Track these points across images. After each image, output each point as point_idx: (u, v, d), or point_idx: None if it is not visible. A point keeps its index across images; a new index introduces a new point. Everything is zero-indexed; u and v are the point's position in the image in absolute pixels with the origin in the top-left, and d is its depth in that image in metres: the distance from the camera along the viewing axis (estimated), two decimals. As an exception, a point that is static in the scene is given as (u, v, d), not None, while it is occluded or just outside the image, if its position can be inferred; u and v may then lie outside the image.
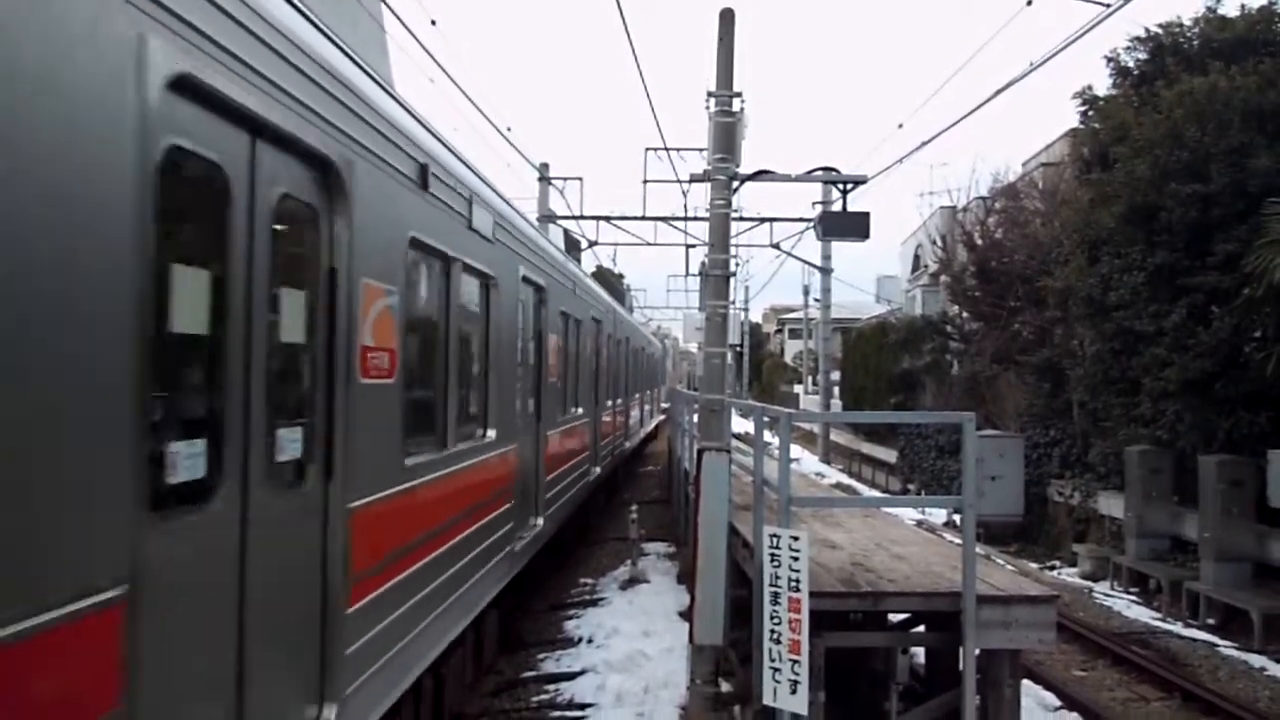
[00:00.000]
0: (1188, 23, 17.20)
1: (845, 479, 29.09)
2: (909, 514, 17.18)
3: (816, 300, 37.41)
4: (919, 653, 8.61)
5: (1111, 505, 16.51)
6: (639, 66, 13.32)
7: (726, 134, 8.60)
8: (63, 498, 2.53)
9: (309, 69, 3.94)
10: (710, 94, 8.65)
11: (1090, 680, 10.45)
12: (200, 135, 3.23)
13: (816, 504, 11.02)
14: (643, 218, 26.47)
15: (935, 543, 9.69)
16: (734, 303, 32.78)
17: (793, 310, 63.19)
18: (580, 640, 10.49)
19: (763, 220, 27.52)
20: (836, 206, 14.38)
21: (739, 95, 8.61)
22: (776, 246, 28.72)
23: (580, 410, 13.53)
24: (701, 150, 19.81)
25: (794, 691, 6.28)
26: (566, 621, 11.35)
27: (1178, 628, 12.52)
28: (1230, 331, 13.51)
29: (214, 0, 3.19)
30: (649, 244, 28.15)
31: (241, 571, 3.51)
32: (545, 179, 25.47)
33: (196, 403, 3.49)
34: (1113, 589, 14.99)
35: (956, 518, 15.72)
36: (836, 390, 37.34)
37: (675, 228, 27.97)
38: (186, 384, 3.47)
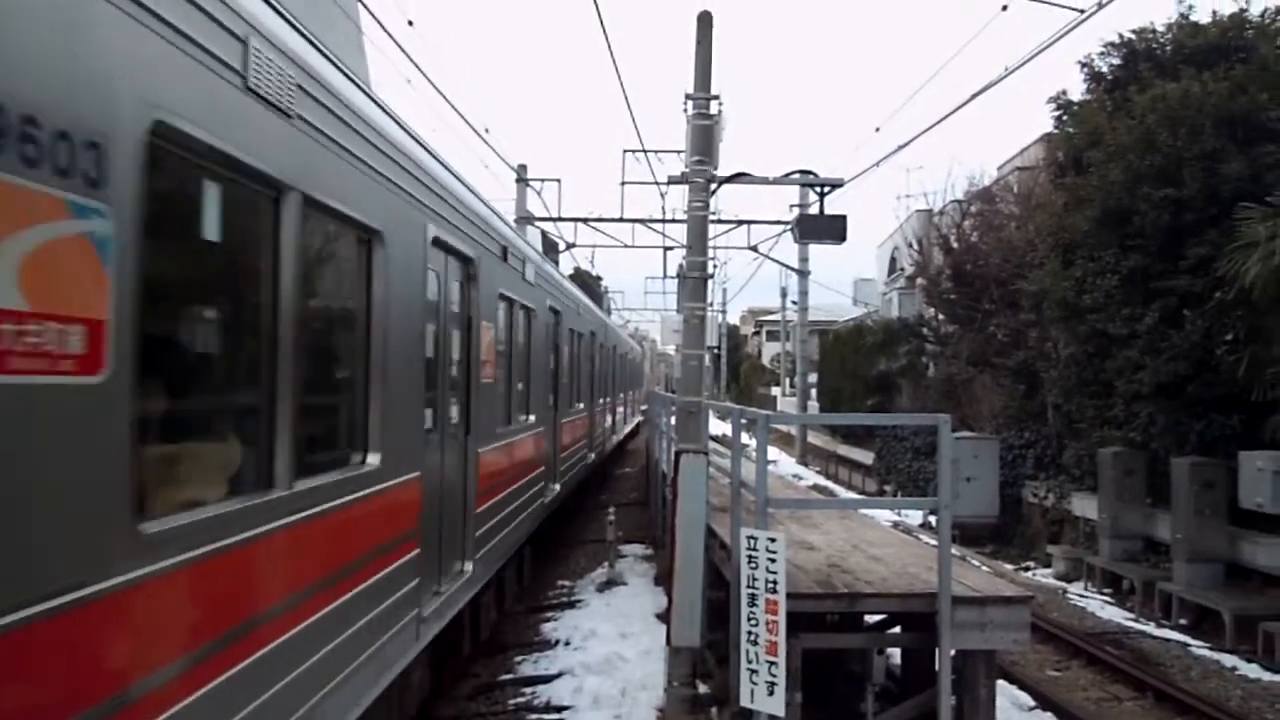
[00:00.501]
0: (1160, 29, 17.37)
1: (822, 480, 29.22)
2: (885, 515, 17.26)
3: (794, 302, 37.53)
4: (895, 653, 8.65)
5: (1085, 506, 16.64)
6: (617, 69, 13.35)
7: (704, 136, 8.62)
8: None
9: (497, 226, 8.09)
10: (688, 96, 8.66)
11: (1064, 680, 10.52)
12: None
13: (793, 506, 11.07)
14: (621, 220, 26.47)
15: (911, 544, 9.74)
16: (712, 305, 32.80)
17: (770, 312, 63.29)
18: (558, 642, 10.47)
19: (740, 222, 27.61)
20: (814, 209, 14.47)
21: (717, 98, 8.64)
22: (754, 249, 28.81)
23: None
24: (679, 152, 19.83)
25: (771, 693, 6.29)
26: (544, 624, 11.33)
27: (1150, 628, 12.63)
28: (1202, 335, 13.65)
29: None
30: (627, 246, 28.13)
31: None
32: (523, 180, 25.42)
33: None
34: (1086, 590, 15.11)
35: (932, 519, 15.79)
36: (814, 392, 37.47)
37: (653, 230, 27.95)
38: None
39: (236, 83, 3.55)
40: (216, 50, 3.40)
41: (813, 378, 37.61)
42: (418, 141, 6.24)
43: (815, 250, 33.50)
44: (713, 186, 9.28)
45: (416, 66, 13.91)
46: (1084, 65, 18.26)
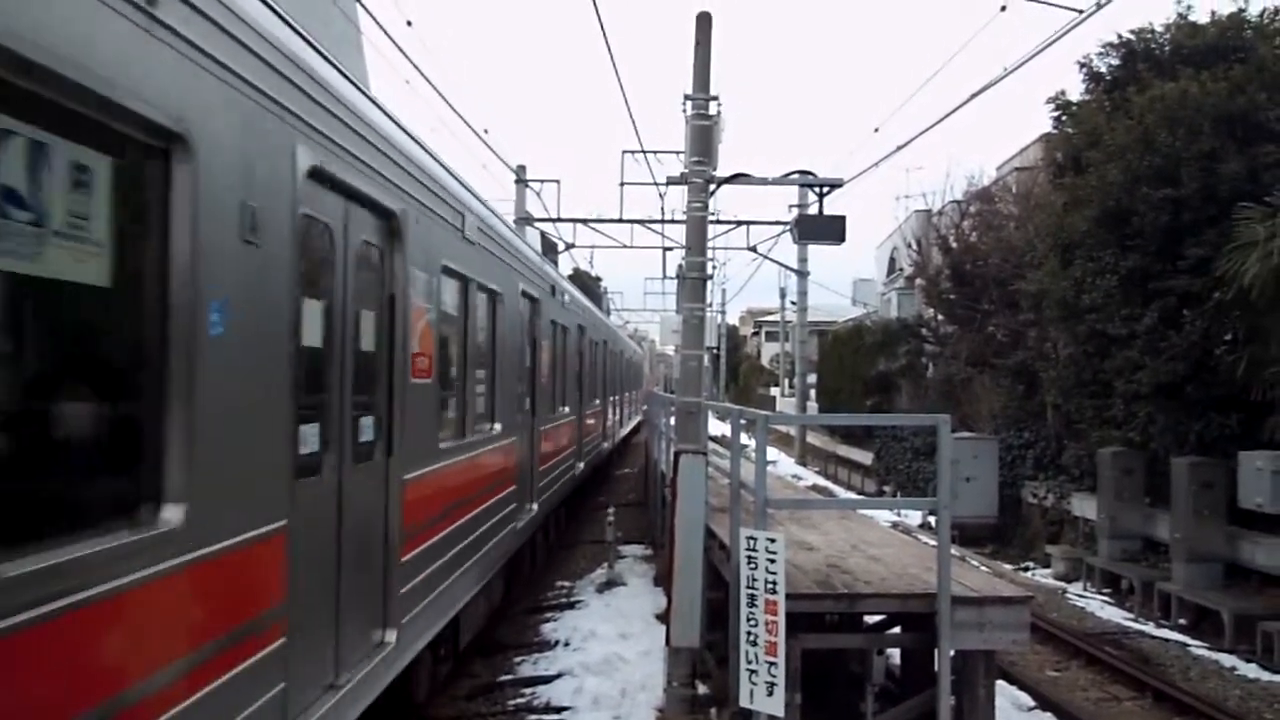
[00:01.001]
0: (1159, 29, 17.36)
1: (821, 481, 29.22)
2: (885, 516, 17.26)
3: (793, 303, 37.55)
4: (894, 654, 8.64)
5: (1084, 507, 16.65)
6: (616, 69, 13.31)
7: (703, 137, 8.62)
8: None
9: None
10: (687, 97, 8.67)
11: (1063, 680, 10.52)
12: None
13: (793, 506, 11.06)
14: (620, 220, 26.47)
15: (911, 544, 9.74)
16: (711, 305, 32.78)
17: (770, 313, 63.33)
18: (557, 643, 10.47)
19: (740, 223, 27.59)
20: (813, 210, 14.48)
21: (716, 99, 8.64)
22: (753, 249, 28.79)
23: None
24: (678, 153, 19.84)
25: (770, 693, 6.29)
26: (543, 624, 11.33)
27: (1150, 628, 12.64)
28: (1201, 335, 13.65)
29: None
30: (626, 246, 28.12)
31: None
32: (522, 181, 25.41)
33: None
34: (1086, 590, 15.11)
35: (932, 519, 15.80)
36: (813, 392, 37.48)
37: (652, 230, 27.93)
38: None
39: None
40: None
41: (812, 378, 37.62)
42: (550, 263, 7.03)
43: (814, 251, 33.50)
44: (712, 187, 9.28)
45: (416, 67, 13.90)
46: (1083, 65, 18.26)
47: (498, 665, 9.90)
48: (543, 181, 25.98)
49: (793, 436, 36.33)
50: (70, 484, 2.98)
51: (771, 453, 24.05)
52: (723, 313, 54.39)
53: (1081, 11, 11.09)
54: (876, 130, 49.47)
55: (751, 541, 6.51)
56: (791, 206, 28.75)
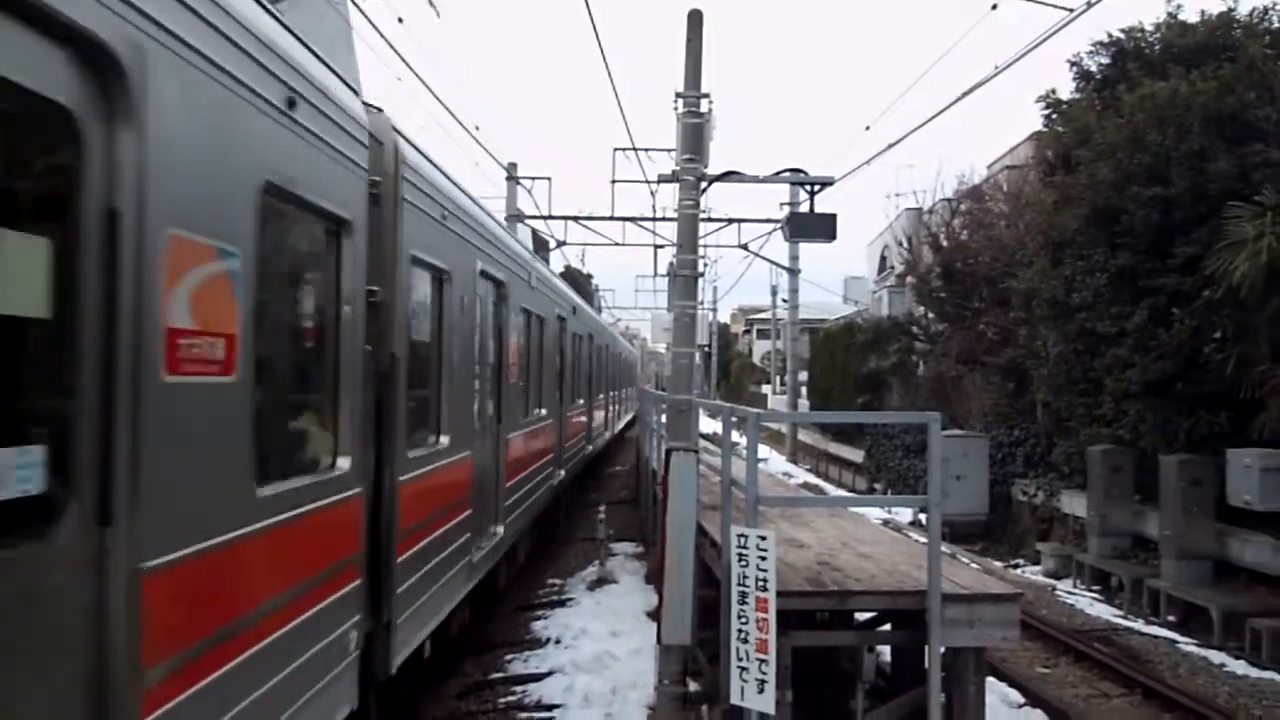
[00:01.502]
0: (1149, 28, 17.40)
1: (813, 479, 29.26)
2: (875, 513, 17.29)
3: (784, 301, 37.61)
4: (885, 651, 8.66)
5: (1074, 504, 16.70)
6: (607, 66, 13.32)
7: (694, 135, 8.61)
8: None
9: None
10: (678, 95, 8.65)
11: (1053, 677, 10.56)
12: None
13: (784, 503, 11.06)
14: (611, 218, 26.50)
15: (901, 542, 9.76)
16: (702, 303, 32.85)
17: (761, 311, 63.42)
18: (548, 641, 10.47)
19: (731, 221, 27.65)
20: (804, 208, 14.47)
21: (707, 96, 8.62)
22: (744, 247, 28.88)
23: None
24: (670, 151, 19.85)
25: (761, 690, 6.29)
26: (534, 622, 11.32)
27: (1139, 625, 12.68)
28: (1191, 333, 13.70)
29: None
30: (617, 244, 28.16)
31: None
32: (513, 178, 25.40)
33: None
34: (1075, 587, 15.16)
35: (922, 517, 15.84)
36: (804, 390, 37.53)
37: (644, 228, 28.00)
38: None
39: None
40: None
41: (803, 376, 37.67)
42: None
43: (806, 249, 33.58)
44: (703, 185, 9.27)
45: (407, 64, 13.87)
46: (1073, 64, 18.29)
47: (488, 663, 9.89)
48: (534, 179, 25.99)
49: (784, 434, 36.39)
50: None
51: (763, 450, 24.10)
52: (714, 310, 54.55)
53: (1072, 10, 11.13)
54: (868, 128, 49.41)
55: (743, 539, 6.51)
56: (783, 204, 28.75)
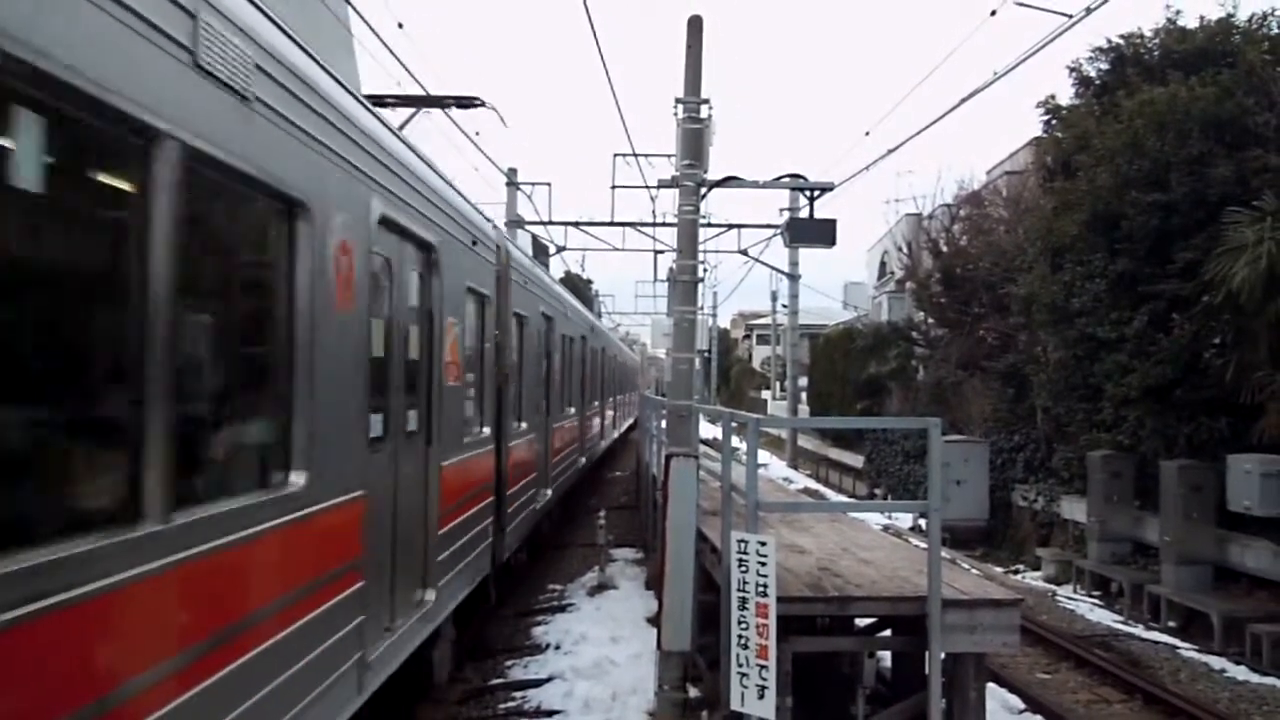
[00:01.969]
0: (1148, 34, 17.44)
1: (813, 484, 29.22)
2: (876, 518, 17.27)
3: (784, 306, 37.61)
4: (885, 657, 8.65)
5: (1074, 509, 16.69)
6: (607, 72, 13.35)
7: (694, 140, 8.62)
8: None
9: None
10: (678, 100, 8.67)
11: (1053, 683, 10.54)
12: None
13: (784, 509, 11.05)
14: (611, 223, 26.48)
15: (901, 547, 9.75)
16: (702, 308, 32.83)
17: (761, 316, 63.43)
18: (548, 647, 10.45)
19: (731, 226, 27.63)
20: (804, 213, 14.46)
21: (707, 102, 8.64)
22: (744, 253, 28.86)
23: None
24: (670, 156, 19.83)
25: (761, 696, 6.29)
26: (534, 628, 11.30)
27: (1139, 630, 12.67)
28: (1190, 338, 13.70)
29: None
30: (617, 249, 28.14)
31: None
32: (513, 184, 25.40)
33: None
34: (1075, 592, 15.15)
35: (922, 522, 15.83)
36: (804, 396, 37.52)
37: (643, 233, 27.93)
38: None
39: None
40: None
41: (803, 381, 37.66)
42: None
43: (805, 254, 33.49)
44: (703, 190, 9.28)
45: (407, 69, 13.88)
46: (1072, 70, 18.34)
47: (488, 669, 9.87)
48: (534, 184, 25.99)
49: (784, 439, 36.36)
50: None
51: (763, 456, 24.09)
52: (714, 316, 54.55)
53: (1071, 16, 11.15)
54: (867, 134, 49.64)
55: (743, 544, 6.51)
56: (782, 210, 28.72)
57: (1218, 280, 12.47)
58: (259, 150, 3.93)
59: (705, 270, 36.19)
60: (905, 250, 28.93)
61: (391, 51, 11.71)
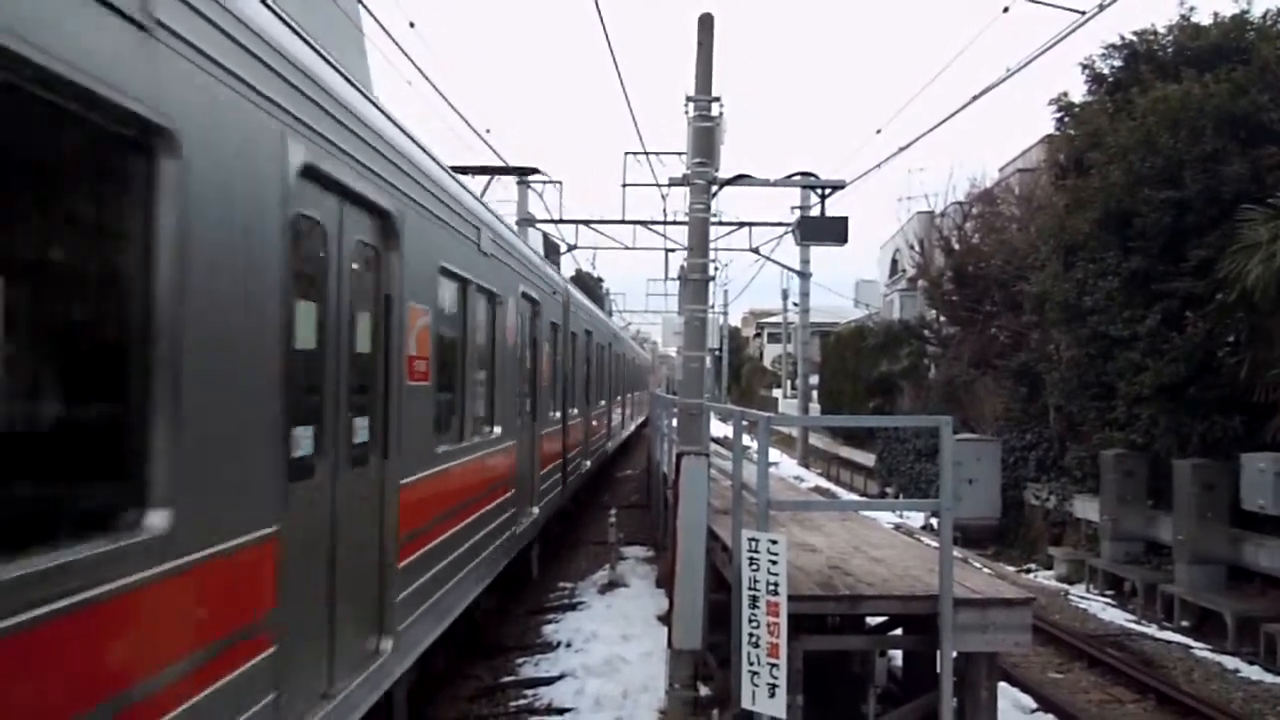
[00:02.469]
0: (1162, 30, 17.37)
1: (824, 482, 29.21)
2: (887, 517, 17.25)
3: (795, 304, 37.55)
4: (897, 655, 8.64)
5: (1087, 508, 16.63)
6: (618, 70, 13.34)
7: (705, 139, 8.61)
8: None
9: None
10: (689, 98, 8.66)
11: (1066, 682, 10.51)
12: None
13: (795, 507, 11.04)
14: (622, 221, 26.49)
15: (913, 546, 9.73)
16: (713, 307, 32.85)
17: (772, 314, 63.34)
18: (559, 645, 10.47)
19: (742, 224, 27.65)
20: (815, 211, 14.47)
21: (718, 100, 8.63)
22: (756, 251, 28.86)
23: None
24: (680, 154, 19.82)
25: (772, 695, 6.29)
26: (545, 626, 11.33)
27: (1152, 630, 12.63)
28: (1204, 337, 13.64)
29: None
30: (628, 248, 28.17)
31: None
32: (524, 183, 25.41)
33: None
34: (1088, 591, 15.10)
35: (934, 521, 15.79)
36: (815, 394, 37.47)
37: (654, 232, 28.00)
38: None
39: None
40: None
41: (814, 380, 37.61)
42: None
43: (816, 252, 33.49)
44: (714, 188, 9.28)
45: (418, 68, 13.93)
46: (1085, 67, 18.27)
47: (499, 666, 9.90)
48: (545, 183, 26.00)
49: (795, 438, 36.32)
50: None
51: (773, 454, 24.08)
52: (725, 314, 54.44)
53: (1084, 13, 11.10)
54: (879, 132, 49.16)
55: (753, 543, 6.50)
56: (794, 208, 28.78)
57: (1232, 278, 12.41)
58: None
59: (716, 268, 36.19)
60: (917, 248, 28.86)
61: (403, 51, 11.77)
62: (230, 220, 3.58)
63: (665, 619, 8.89)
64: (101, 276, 3.19)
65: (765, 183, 11.69)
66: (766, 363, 72.98)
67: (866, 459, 28.14)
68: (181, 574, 3.24)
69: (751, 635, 6.41)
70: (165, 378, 3.15)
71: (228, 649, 3.59)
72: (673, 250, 31.05)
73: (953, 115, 14.90)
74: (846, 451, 31.39)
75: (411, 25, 15.46)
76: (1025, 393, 20.52)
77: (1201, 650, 11.63)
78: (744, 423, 11.44)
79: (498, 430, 8.90)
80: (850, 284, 48.76)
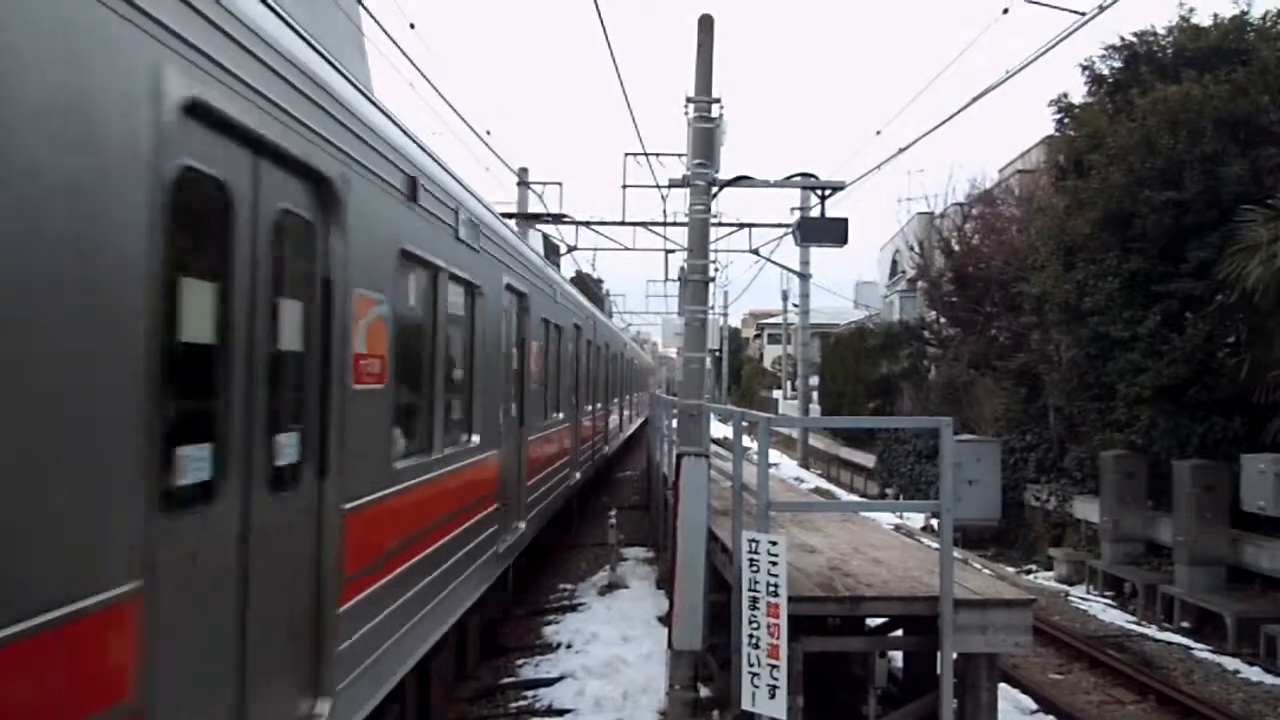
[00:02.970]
0: (1161, 31, 17.35)
1: (824, 484, 29.21)
2: (887, 518, 17.25)
3: (795, 305, 37.56)
4: (897, 657, 8.64)
5: (1087, 510, 16.63)
6: (618, 71, 13.31)
7: (705, 140, 8.62)
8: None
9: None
10: (689, 100, 8.67)
11: (1066, 683, 10.51)
12: None
13: (795, 509, 11.04)
14: (622, 223, 26.45)
15: (913, 547, 9.73)
16: (713, 308, 32.81)
17: (772, 315, 63.35)
18: (559, 646, 10.47)
19: (742, 225, 27.57)
20: (815, 212, 14.46)
21: (718, 101, 8.64)
22: (755, 252, 28.82)
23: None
24: (681, 155, 19.81)
25: (773, 696, 6.29)
26: (545, 627, 11.33)
27: (1152, 631, 12.63)
28: (1204, 338, 13.63)
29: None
30: (628, 249, 28.13)
31: None
32: (524, 183, 25.42)
33: None
34: (1088, 593, 15.10)
35: (934, 522, 15.79)
36: (815, 395, 37.47)
37: (654, 233, 27.89)
38: None
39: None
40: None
41: (814, 381, 37.61)
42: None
43: (816, 253, 33.52)
44: (714, 189, 9.28)
45: (418, 70, 13.92)
46: (1085, 68, 18.25)
47: (500, 667, 9.90)
48: (545, 184, 26.00)
49: (795, 439, 36.32)
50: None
51: (773, 455, 24.05)
52: (725, 315, 54.44)
53: (1084, 14, 11.08)
54: (879, 133, 49.28)
55: (753, 544, 6.50)
56: (793, 209, 28.80)
57: (1231, 279, 12.41)
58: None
59: (716, 269, 36.16)
60: (917, 249, 28.86)
61: (404, 52, 11.78)
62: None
63: (665, 620, 8.89)
64: None
65: (765, 184, 11.65)
66: (766, 364, 72.97)
67: (867, 460, 28.13)
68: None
69: (752, 636, 6.41)
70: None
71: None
72: (673, 251, 31.02)
73: (952, 116, 14.86)
74: (846, 452, 31.38)
75: (412, 26, 15.47)
76: (1025, 394, 20.52)
77: (1202, 651, 11.63)
78: (744, 424, 11.43)
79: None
80: (850, 285, 48.81)
